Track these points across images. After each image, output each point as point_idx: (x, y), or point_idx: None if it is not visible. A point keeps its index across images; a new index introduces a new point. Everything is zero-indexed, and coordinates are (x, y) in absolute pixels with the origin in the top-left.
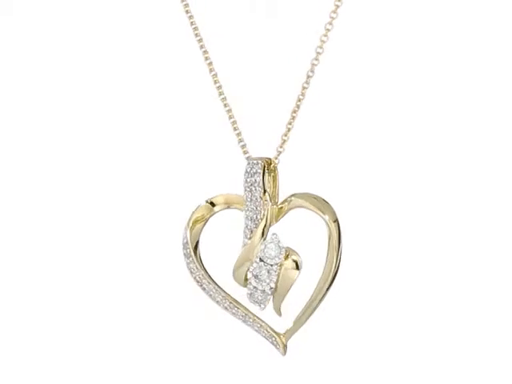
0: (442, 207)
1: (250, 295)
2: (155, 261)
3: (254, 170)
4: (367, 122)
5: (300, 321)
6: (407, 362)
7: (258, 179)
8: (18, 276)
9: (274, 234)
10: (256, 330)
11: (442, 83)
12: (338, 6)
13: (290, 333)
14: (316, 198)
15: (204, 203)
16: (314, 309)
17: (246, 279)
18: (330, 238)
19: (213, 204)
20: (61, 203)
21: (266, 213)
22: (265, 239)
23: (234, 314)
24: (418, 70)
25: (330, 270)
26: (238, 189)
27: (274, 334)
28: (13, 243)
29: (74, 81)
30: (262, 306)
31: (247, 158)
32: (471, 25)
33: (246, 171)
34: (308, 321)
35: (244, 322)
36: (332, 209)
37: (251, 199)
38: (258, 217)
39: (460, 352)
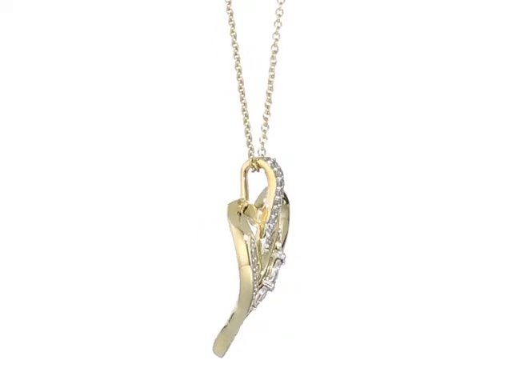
0: (430, 199)
1: (262, 296)
2: (158, 262)
3: (280, 168)
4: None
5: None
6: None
7: (284, 178)
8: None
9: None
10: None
11: (420, 75)
12: (281, 3)
13: None
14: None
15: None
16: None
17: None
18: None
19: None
20: (58, 206)
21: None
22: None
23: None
24: (387, 56)
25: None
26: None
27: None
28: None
29: (77, 79)
30: (255, 306)
31: (270, 158)
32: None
33: (280, 170)
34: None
35: None
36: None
37: (281, 200)
38: (276, 216)
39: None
